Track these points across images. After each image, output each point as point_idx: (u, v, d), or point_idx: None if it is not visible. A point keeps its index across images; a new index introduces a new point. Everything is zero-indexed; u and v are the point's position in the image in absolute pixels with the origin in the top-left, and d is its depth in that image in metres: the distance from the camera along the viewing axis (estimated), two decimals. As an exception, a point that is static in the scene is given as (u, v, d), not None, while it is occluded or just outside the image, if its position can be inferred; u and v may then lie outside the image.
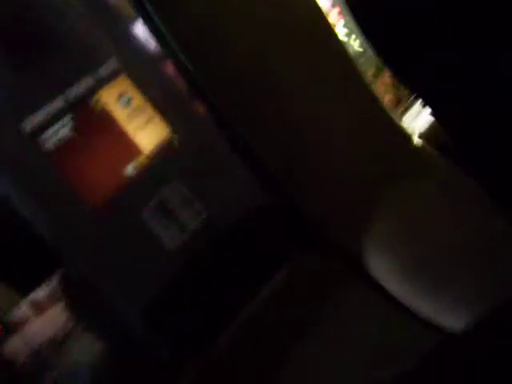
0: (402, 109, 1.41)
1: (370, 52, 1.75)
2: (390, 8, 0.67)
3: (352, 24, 1.74)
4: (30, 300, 2.05)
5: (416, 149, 1.25)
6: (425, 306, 1.18)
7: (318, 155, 1.24)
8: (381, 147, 1.26)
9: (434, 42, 0.70)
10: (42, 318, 2.02)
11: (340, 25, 1.69)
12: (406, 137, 1.26)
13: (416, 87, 0.85)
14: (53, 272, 1.98)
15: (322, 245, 1.23)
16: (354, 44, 1.64)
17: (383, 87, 1.59)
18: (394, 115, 1.27)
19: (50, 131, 1.62)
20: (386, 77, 1.61)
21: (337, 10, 1.71)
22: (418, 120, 1.35)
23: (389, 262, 1.22)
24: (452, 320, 1.12)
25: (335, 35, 1.23)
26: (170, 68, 1.70)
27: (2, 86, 1.59)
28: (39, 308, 2.02)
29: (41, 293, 2.03)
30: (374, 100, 1.24)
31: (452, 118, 0.81)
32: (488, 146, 0.78)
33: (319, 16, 1.20)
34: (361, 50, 1.62)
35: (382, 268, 1.22)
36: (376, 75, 1.58)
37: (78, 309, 1.91)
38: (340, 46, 1.25)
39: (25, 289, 2.06)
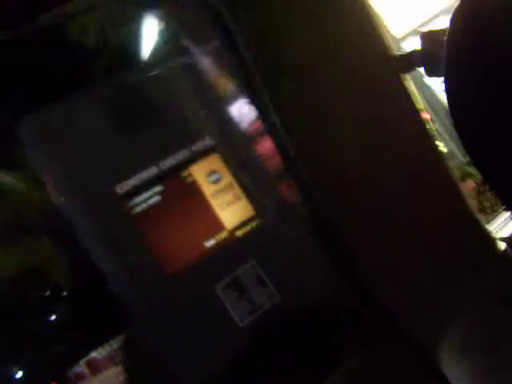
0: (487, 216, 1.43)
1: (458, 158, 1.79)
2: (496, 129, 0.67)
3: (440, 131, 1.80)
4: (88, 359, 2.08)
5: (498, 253, 1.26)
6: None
7: (401, 248, 1.26)
8: (462, 247, 1.27)
9: None
10: (97, 377, 2.04)
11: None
12: (489, 240, 1.27)
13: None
14: (115, 334, 2.01)
15: (396, 337, 1.23)
16: (441, 146, 1.69)
17: (467, 193, 1.61)
18: (480, 219, 1.29)
19: (141, 197, 1.70)
20: (471, 182, 1.63)
21: (427, 116, 1.77)
22: (504, 228, 1.36)
23: (462, 364, 1.21)
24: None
25: (431, 138, 1.28)
26: (261, 148, 1.78)
27: (106, 150, 1.70)
28: (96, 368, 2.04)
29: (101, 353, 2.06)
30: (462, 201, 1.26)
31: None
32: None
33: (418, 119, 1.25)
34: (446, 152, 1.67)
35: (455, 368, 1.20)
36: (461, 179, 1.61)
37: (135, 374, 1.92)
38: (433, 147, 1.29)
39: (86, 347, 2.09)
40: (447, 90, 0.78)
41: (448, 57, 0.64)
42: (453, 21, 0.75)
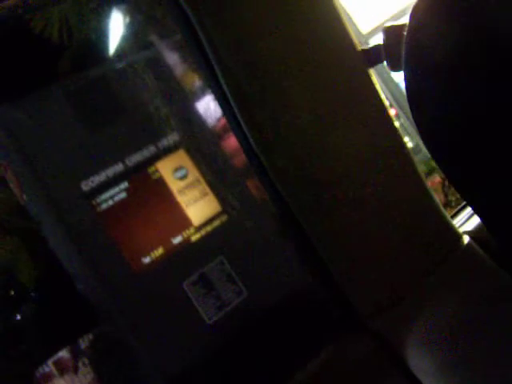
0: (453, 210, 1.43)
1: (424, 153, 1.80)
2: (456, 129, 0.67)
3: (406, 127, 1.81)
4: (56, 358, 2.05)
5: (462, 247, 1.27)
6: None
7: (367, 242, 1.26)
8: (427, 241, 1.28)
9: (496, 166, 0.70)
10: (66, 377, 2.02)
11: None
12: (454, 234, 1.27)
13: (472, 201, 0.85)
14: (83, 333, 1.99)
15: (361, 331, 1.23)
16: (408, 142, 1.70)
17: (433, 187, 1.62)
18: (445, 213, 1.29)
19: (107, 194, 1.69)
20: (437, 177, 1.65)
21: (393, 111, 1.78)
22: (467, 222, 1.37)
23: (427, 358, 1.21)
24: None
25: (398, 132, 1.28)
26: (228, 144, 1.77)
27: (70, 146, 1.68)
28: (65, 367, 2.02)
29: (69, 352, 2.03)
30: (428, 195, 1.27)
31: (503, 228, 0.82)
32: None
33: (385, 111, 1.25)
34: (412, 147, 1.68)
35: (420, 363, 1.20)
36: (428, 174, 1.62)
37: (104, 372, 1.91)
38: (400, 141, 1.29)
39: (54, 347, 2.06)
40: (406, 84, 0.78)
41: (406, 49, 0.64)
42: (412, 15, 0.75)
